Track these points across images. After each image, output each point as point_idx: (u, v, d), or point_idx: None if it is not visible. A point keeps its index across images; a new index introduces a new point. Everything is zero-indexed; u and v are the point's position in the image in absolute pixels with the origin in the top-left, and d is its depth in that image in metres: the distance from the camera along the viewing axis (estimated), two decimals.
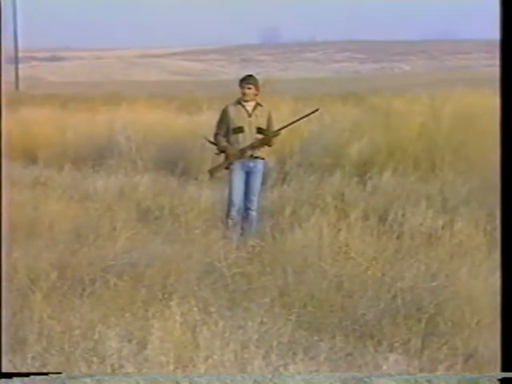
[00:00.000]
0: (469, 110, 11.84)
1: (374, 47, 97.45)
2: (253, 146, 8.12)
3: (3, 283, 5.90)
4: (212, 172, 8.31)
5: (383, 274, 6.30)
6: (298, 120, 8.41)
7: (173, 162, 11.73)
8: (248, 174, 8.19)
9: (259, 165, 8.20)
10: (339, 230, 7.33)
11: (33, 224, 7.97)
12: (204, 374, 4.54)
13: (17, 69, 44.54)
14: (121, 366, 4.67)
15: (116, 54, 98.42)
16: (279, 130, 8.21)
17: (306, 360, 5.05)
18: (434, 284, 6.01)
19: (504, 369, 4.54)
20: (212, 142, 8.29)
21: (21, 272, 6.41)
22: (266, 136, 8.14)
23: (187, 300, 5.45)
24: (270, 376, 4.58)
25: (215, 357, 4.74)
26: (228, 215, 8.11)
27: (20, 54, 46.94)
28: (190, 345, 4.91)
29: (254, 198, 8.19)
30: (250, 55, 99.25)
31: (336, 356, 5.24)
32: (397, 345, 5.24)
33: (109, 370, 4.66)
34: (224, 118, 8.17)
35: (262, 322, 5.42)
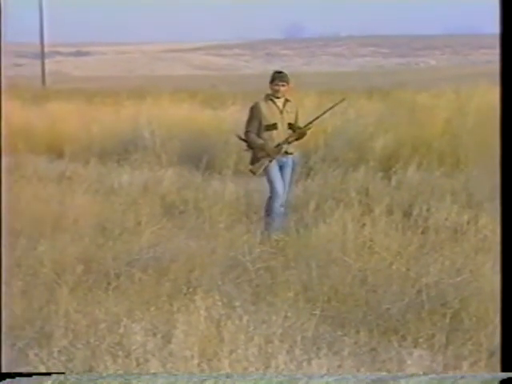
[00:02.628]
0: (493, 105, 11.74)
1: (397, 42, 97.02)
2: (289, 142, 8.11)
3: (27, 278, 5.97)
4: (255, 170, 8.17)
5: (408, 269, 6.29)
6: (326, 111, 8.34)
7: (197, 157, 11.74)
8: (281, 169, 8.17)
9: (290, 160, 8.19)
10: (363, 224, 7.33)
11: (59, 218, 8.02)
12: (228, 373, 4.55)
13: (43, 64, 44.75)
14: (146, 360, 4.70)
15: (140, 48, 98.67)
16: (310, 122, 8.16)
17: (330, 355, 5.04)
18: (458, 279, 5.99)
19: (504, 369, 4.48)
20: (243, 139, 8.24)
21: (47, 266, 6.46)
22: (301, 130, 8.12)
23: (211, 294, 5.47)
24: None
25: (239, 351, 4.76)
26: (270, 209, 8.06)
27: (46, 50, 47.16)
28: (214, 339, 4.93)
29: (285, 194, 8.18)
30: (273, 50, 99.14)
31: (360, 351, 5.23)
32: (421, 340, 5.23)
33: (134, 364, 4.68)
34: (256, 114, 8.10)
35: (285, 317, 5.43)
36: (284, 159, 8.14)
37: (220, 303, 5.28)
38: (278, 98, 8.10)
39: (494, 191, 9.21)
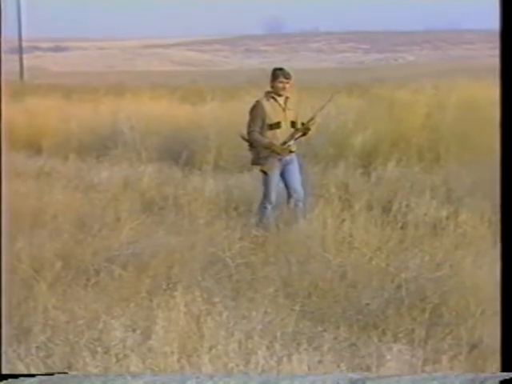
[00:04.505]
0: (473, 101, 11.82)
1: (377, 37, 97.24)
2: (295, 138, 8.06)
3: (5, 274, 5.92)
4: (267, 170, 8.03)
5: (387, 264, 6.31)
6: (325, 104, 8.22)
7: (177, 153, 11.71)
8: (286, 168, 8.07)
9: (294, 157, 8.12)
10: (343, 220, 7.33)
11: (37, 214, 7.98)
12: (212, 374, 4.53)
13: (21, 59, 44.49)
14: (125, 356, 4.68)
15: (119, 44, 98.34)
16: (312, 118, 8.04)
17: (310, 350, 5.05)
18: (438, 274, 6.02)
19: (504, 369, 4.51)
20: (246, 140, 8.14)
21: (25, 262, 6.42)
22: (305, 126, 8.04)
23: (191, 290, 5.46)
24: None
25: (219, 347, 4.75)
26: (263, 208, 8.02)
27: (24, 44, 46.87)
28: (194, 335, 4.92)
29: (298, 192, 8.09)
30: (253, 45, 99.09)
31: (340, 346, 5.24)
32: (401, 335, 5.26)
33: (113, 360, 4.67)
34: (259, 113, 7.95)
35: (265, 312, 5.44)
36: (288, 158, 8.08)
37: (200, 299, 5.28)
38: (279, 95, 7.99)
39: (473, 186, 9.29)
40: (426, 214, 8.08)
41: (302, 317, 5.62)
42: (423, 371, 4.87)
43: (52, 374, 4.40)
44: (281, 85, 7.96)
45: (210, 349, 4.74)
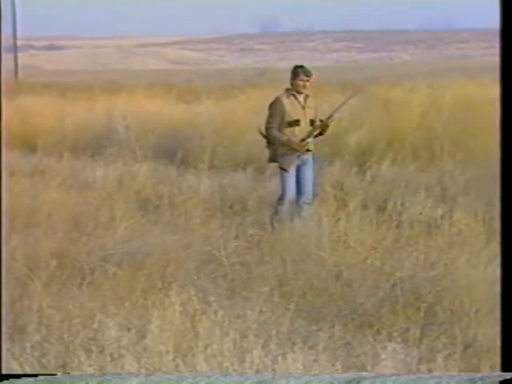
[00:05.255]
0: (468, 100, 11.83)
1: (372, 36, 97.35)
2: (313, 136, 8.04)
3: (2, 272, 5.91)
4: (286, 167, 7.97)
5: (382, 263, 6.30)
6: (344, 103, 8.15)
7: (172, 151, 11.70)
8: (301, 166, 8.03)
9: (310, 157, 8.10)
10: (338, 219, 7.32)
11: (32, 213, 7.97)
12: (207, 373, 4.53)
13: (16, 57, 44.42)
14: (120, 356, 4.68)
15: (114, 42, 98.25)
16: (331, 115, 7.98)
17: (305, 349, 5.05)
18: (432, 273, 6.03)
19: (504, 369, 4.51)
20: (264, 136, 8.04)
21: (20, 261, 6.41)
22: (323, 123, 7.99)
23: (186, 289, 5.46)
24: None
25: (214, 346, 4.75)
26: (276, 209, 8.00)
27: (18, 43, 46.83)
28: (189, 334, 4.92)
29: (309, 192, 8.08)
30: (248, 44, 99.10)
31: (335, 345, 5.25)
32: (395, 334, 5.26)
33: (108, 359, 4.66)
34: (279, 110, 7.89)
35: (261, 311, 5.44)
36: (305, 157, 8.05)
37: (195, 298, 5.27)
38: (300, 93, 7.94)
39: (468, 185, 9.30)
40: (420, 213, 8.08)
41: (297, 316, 5.63)
42: (418, 370, 4.88)
43: (54, 375, 4.41)
44: (301, 83, 7.93)
45: (205, 348, 4.74)
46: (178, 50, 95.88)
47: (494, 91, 14.21)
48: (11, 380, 4.23)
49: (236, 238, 7.21)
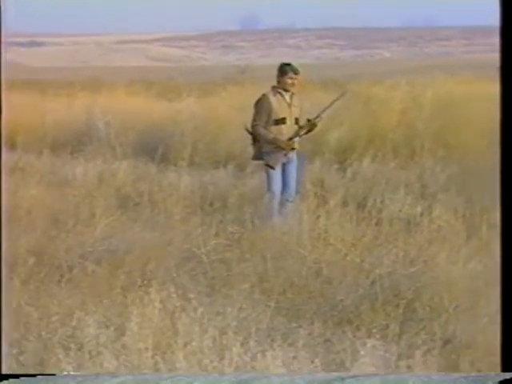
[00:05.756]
0: (448, 97, 11.88)
1: (353, 34, 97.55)
2: (300, 135, 8.02)
3: None
4: (273, 165, 7.96)
5: (362, 260, 6.32)
6: (332, 103, 8.20)
7: (152, 149, 11.66)
8: (286, 165, 8.04)
9: (295, 155, 8.09)
10: (318, 216, 7.32)
11: (11, 210, 7.92)
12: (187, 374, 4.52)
13: None
14: (99, 353, 4.66)
15: (95, 39, 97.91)
16: (319, 115, 8.04)
17: (285, 346, 5.04)
18: (412, 270, 6.04)
19: (504, 369, 4.51)
20: (251, 133, 8.03)
21: None
22: (311, 122, 8.02)
23: (166, 286, 5.44)
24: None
25: (194, 343, 4.74)
26: (265, 204, 7.97)
27: None
28: (168, 331, 4.91)
29: (292, 190, 8.07)
30: (230, 42, 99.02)
31: (314, 342, 5.25)
32: (375, 330, 5.26)
33: (87, 356, 4.65)
34: (266, 108, 7.89)
35: (240, 309, 5.44)
36: (290, 155, 8.04)
37: (175, 295, 5.25)
38: (286, 91, 7.95)
39: (448, 182, 9.34)
40: (400, 210, 8.11)
41: (277, 313, 5.63)
42: (397, 367, 4.89)
43: (53, 375, 4.39)
44: (290, 81, 7.92)
45: (185, 345, 4.73)
46: (159, 47, 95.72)
47: (475, 88, 14.37)
48: (11, 380, 4.21)
49: (216, 235, 7.20)
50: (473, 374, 4.40)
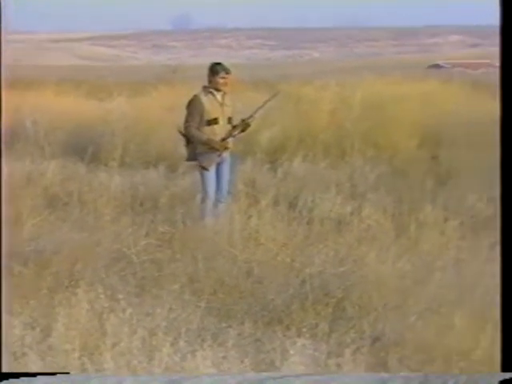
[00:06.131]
0: (377, 97, 12.02)
1: (284, 34, 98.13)
2: (233, 135, 7.98)
3: None
4: (207, 167, 7.90)
5: (293, 260, 6.33)
6: (265, 103, 8.15)
7: (82, 148, 11.51)
8: (219, 165, 7.97)
9: (228, 155, 8.05)
10: (250, 216, 7.33)
11: None
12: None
13: None
14: (24, 354, 4.59)
15: (25, 37, 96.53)
16: (252, 115, 7.99)
17: (215, 346, 5.05)
18: (342, 269, 6.08)
19: (504, 369, 4.53)
20: (184, 135, 7.95)
21: None
22: (245, 122, 7.97)
23: (94, 287, 5.39)
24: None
25: (122, 344, 4.70)
26: (203, 203, 7.91)
27: None
28: (96, 332, 4.85)
29: (224, 190, 8.01)
30: (161, 41, 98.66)
31: (244, 342, 5.26)
32: (305, 330, 5.30)
33: (12, 357, 4.57)
34: (198, 108, 7.81)
35: (170, 309, 5.42)
36: (224, 155, 7.97)
37: (103, 296, 5.21)
38: (218, 90, 7.88)
39: (377, 182, 9.45)
40: (331, 210, 8.17)
41: (208, 313, 5.62)
42: (326, 365, 4.92)
43: (53, 374, 4.31)
44: (221, 80, 7.86)
45: (113, 346, 4.69)
46: (90, 46, 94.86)
47: (403, 88, 14.54)
48: (11, 380, 4.12)
49: (147, 235, 7.15)
50: (472, 374, 4.41)
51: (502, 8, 4.66)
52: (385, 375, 4.39)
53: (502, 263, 4.77)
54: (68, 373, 4.48)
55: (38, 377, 4.18)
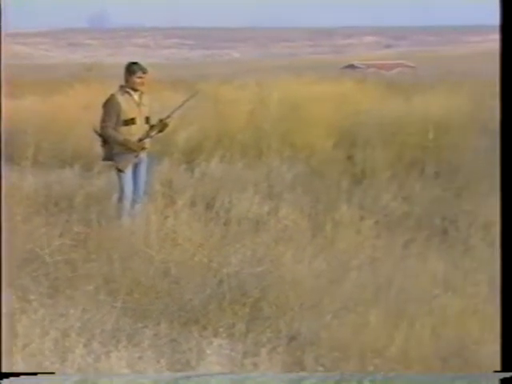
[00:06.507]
0: (294, 98, 12.11)
1: (203, 34, 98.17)
2: (151, 135, 7.88)
3: None
4: (123, 168, 7.77)
5: (210, 260, 6.31)
6: (183, 103, 8.15)
7: None
8: (136, 165, 7.90)
9: (145, 155, 7.95)
10: (167, 216, 7.27)
11: None
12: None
13: None
14: None
15: None
16: (169, 115, 7.94)
17: (130, 347, 5.01)
18: (259, 269, 6.09)
19: (504, 369, 4.50)
20: (100, 135, 7.84)
21: None
22: (163, 122, 7.91)
23: (4, 289, 5.26)
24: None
25: (33, 345, 4.62)
26: (121, 204, 7.81)
27: None
28: (6, 333, 4.74)
29: (141, 191, 7.92)
30: (77, 39, 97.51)
31: (160, 342, 5.24)
32: (221, 329, 5.30)
33: None
34: (115, 108, 7.72)
35: (84, 310, 5.36)
36: (141, 155, 7.89)
37: (14, 297, 5.10)
38: (135, 90, 7.80)
39: (294, 182, 9.53)
40: (248, 210, 8.20)
41: (123, 314, 5.56)
42: (242, 365, 4.92)
43: (52, 373, 4.22)
44: (138, 80, 7.79)
45: (24, 347, 4.59)
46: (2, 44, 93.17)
47: (319, 89, 14.65)
48: (11, 379, 3.99)
49: (61, 235, 7.02)
50: (472, 374, 4.42)
51: (502, 8, 4.60)
52: (302, 374, 4.42)
53: (502, 263, 4.73)
54: (66, 373, 4.41)
55: (38, 376, 4.10)
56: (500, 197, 4.69)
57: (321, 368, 4.89)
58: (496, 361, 4.77)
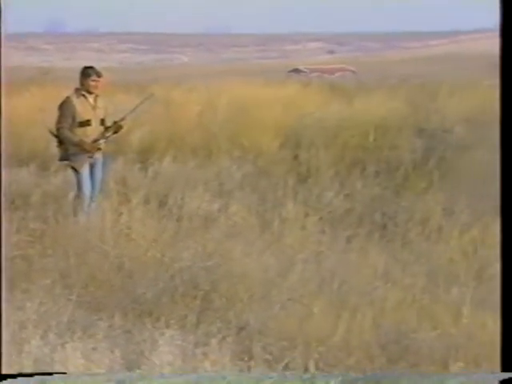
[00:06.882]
0: (242, 101, 12.33)
1: (155, 39, 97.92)
2: (106, 137, 8.04)
3: None
4: (78, 168, 7.92)
5: (163, 255, 6.47)
6: (138, 106, 8.34)
7: None
8: (92, 165, 8.05)
9: (101, 155, 8.09)
10: (121, 213, 7.41)
11: None
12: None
13: None
14: None
15: None
16: (123, 118, 8.13)
17: (85, 338, 5.12)
18: (209, 263, 6.25)
19: (504, 369, 4.55)
20: (56, 136, 7.97)
21: None
22: (117, 124, 8.08)
23: None
24: None
25: None
26: (77, 203, 7.93)
27: None
28: None
29: (96, 191, 8.07)
30: (32, 44, 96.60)
31: (115, 333, 5.36)
32: (173, 321, 5.42)
33: None
34: (70, 110, 7.88)
35: (41, 303, 5.46)
36: (97, 156, 8.06)
37: None
38: (90, 93, 7.96)
39: (243, 180, 9.74)
40: (199, 207, 8.37)
41: (78, 307, 5.69)
42: (194, 354, 5.07)
43: (51, 374, 4.29)
44: (93, 83, 7.96)
45: None
46: None
47: (266, 92, 14.83)
48: (11, 380, 4.10)
49: (17, 231, 7.13)
50: (472, 374, 4.53)
51: (502, 8, 4.65)
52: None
53: (502, 263, 4.72)
54: (65, 373, 4.53)
55: (37, 376, 4.21)
56: (500, 197, 4.74)
57: (268, 356, 5.08)
58: (431, 348, 5.06)
